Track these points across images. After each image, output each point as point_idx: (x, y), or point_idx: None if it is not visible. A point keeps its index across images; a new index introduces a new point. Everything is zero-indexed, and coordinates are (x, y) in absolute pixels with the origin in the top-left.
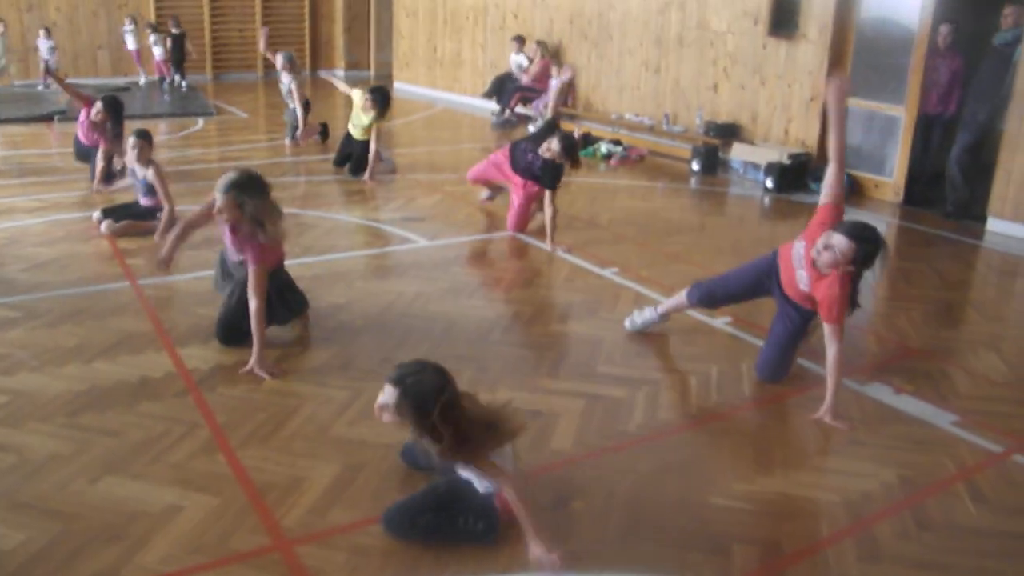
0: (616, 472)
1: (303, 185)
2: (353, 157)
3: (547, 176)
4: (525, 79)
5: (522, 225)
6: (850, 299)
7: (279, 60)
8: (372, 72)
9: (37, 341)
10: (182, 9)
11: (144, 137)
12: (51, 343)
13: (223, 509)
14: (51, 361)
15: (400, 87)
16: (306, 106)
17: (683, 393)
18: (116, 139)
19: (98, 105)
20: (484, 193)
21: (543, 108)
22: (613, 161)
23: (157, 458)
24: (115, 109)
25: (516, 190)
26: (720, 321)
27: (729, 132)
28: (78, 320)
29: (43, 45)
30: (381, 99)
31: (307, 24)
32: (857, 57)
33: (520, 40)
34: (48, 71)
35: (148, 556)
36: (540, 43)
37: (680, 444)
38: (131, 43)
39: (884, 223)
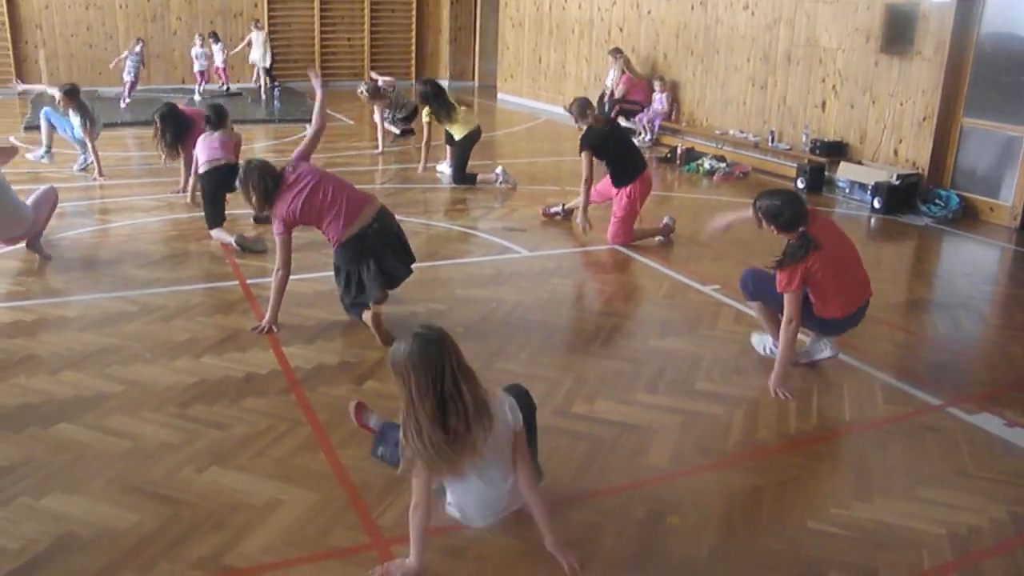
0: (711, 490)
1: (407, 192)
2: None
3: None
4: (618, 92)
5: (625, 236)
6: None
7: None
8: (476, 83)
9: (151, 334)
10: (294, 18)
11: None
12: (164, 337)
13: (322, 505)
14: (164, 354)
15: (504, 98)
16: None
17: (782, 413)
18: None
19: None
20: (555, 207)
21: (646, 122)
22: (716, 177)
23: (261, 452)
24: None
25: (618, 201)
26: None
27: (836, 150)
28: (190, 315)
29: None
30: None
31: (413, 34)
32: (975, 75)
33: (616, 53)
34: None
35: (250, 546)
36: (613, 52)
37: (777, 465)
38: (219, 58)
39: (998, 248)
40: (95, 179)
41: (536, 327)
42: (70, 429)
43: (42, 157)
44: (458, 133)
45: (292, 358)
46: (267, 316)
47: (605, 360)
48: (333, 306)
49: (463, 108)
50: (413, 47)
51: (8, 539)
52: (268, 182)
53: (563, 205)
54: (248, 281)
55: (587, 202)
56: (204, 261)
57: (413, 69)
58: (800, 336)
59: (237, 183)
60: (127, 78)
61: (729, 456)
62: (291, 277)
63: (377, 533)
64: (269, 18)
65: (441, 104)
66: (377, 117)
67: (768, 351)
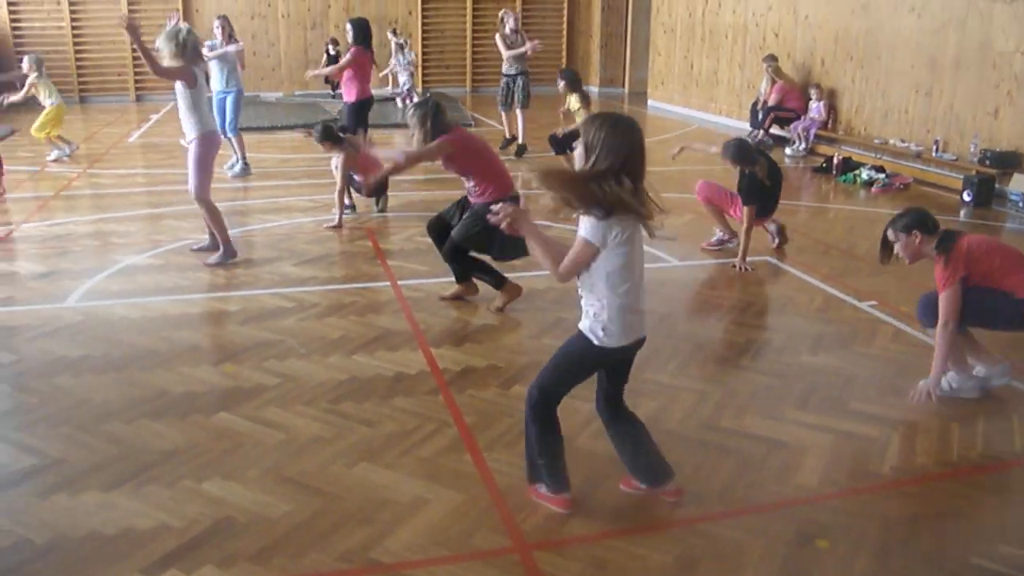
0: (864, 515)
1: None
2: None
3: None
4: (772, 100)
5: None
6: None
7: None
8: (626, 89)
9: (306, 330)
10: (447, 24)
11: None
12: (318, 333)
13: (467, 507)
14: (317, 350)
15: (654, 105)
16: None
17: (943, 439)
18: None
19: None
20: (715, 236)
21: (801, 131)
22: (874, 189)
23: (408, 451)
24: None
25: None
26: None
27: (1009, 161)
28: (342, 314)
29: (400, 61)
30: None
31: (564, 40)
32: None
33: (771, 59)
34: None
35: (395, 542)
36: (767, 58)
37: (937, 494)
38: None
39: None
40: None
41: (685, 338)
42: (229, 418)
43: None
44: None
45: (441, 359)
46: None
47: (755, 374)
48: (482, 310)
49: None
50: (563, 53)
51: (173, 518)
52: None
53: (719, 233)
54: (399, 282)
55: (747, 247)
56: (357, 262)
57: None
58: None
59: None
60: (403, 80)
61: (884, 481)
62: (440, 280)
63: (520, 537)
64: (423, 26)
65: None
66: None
67: (951, 387)
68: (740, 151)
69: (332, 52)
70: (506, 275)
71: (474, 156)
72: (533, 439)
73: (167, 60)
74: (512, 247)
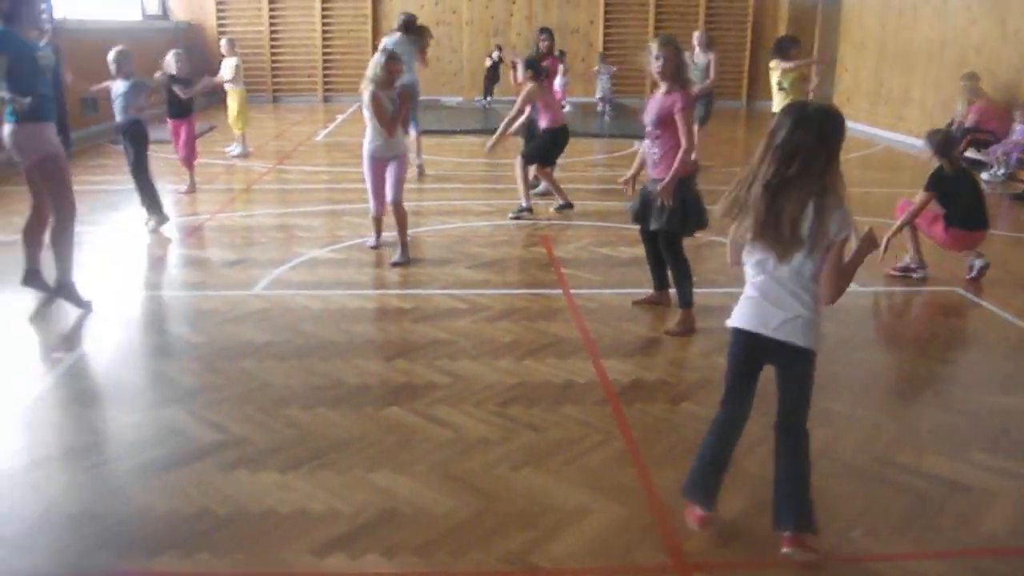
0: None
1: None
2: None
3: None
4: (969, 120)
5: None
6: None
7: None
8: None
9: (478, 333)
10: (628, 35)
11: None
12: (489, 336)
13: (629, 520)
14: (488, 353)
15: None
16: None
17: None
18: None
19: None
20: (904, 260)
21: (1000, 155)
22: None
23: (573, 460)
24: None
25: (936, 235)
26: None
27: None
28: (514, 319)
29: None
30: None
31: (747, 54)
32: None
33: (971, 78)
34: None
35: (555, 549)
36: (967, 76)
37: None
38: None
39: None
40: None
41: (861, 367)
42: (400, 413)
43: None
44: None
45: (611, 371)
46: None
47: (937, 410)
48: (655, 323)
49: None
50: (746, 67)
51: (343, 504)
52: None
53: (908, 259)
54: (572, 291)
55: (897, 232)
56: (531, 268)
57: (745, 88)
58: None
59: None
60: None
61: None
62: (613, 291)
63: (680, 557)
64: (604, 36)
65: None
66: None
67: None
68: (945, 140)
69: (495, 58)
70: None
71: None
72: (803, 477)
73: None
74: (697, 221)
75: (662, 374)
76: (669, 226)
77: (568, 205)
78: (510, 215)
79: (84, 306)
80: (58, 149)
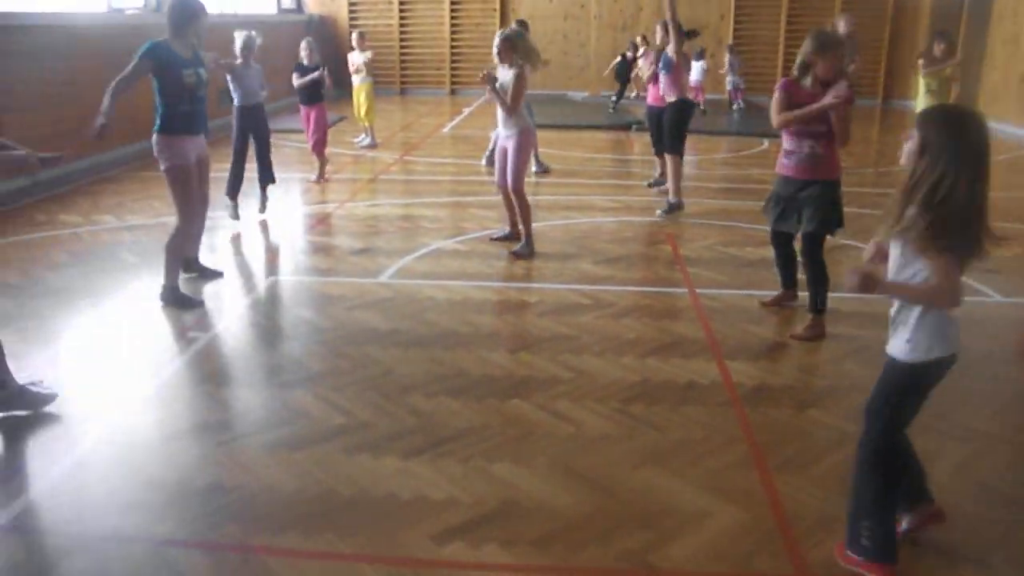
0: None
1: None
2: None
3: None
4: None
5: None
6: None
7: None
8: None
9: (601, 329)
10: (759, 31)
11: None
12: (612, 333)
13: (751, 526)
14: (611, 349)
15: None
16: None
17: None
18: None
19: None
20: None
21: None
22: None
23: (695, 461)
24: None
25: None
26: None
27: None
28: (637, 316)
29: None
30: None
31: (884, 49)
32: None
33: None
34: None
35: (674, 550)
36: None
37: None
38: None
39: None
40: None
41: (1004, 382)
42: (522, 406)
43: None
44: None
45: (735, 373)
46: None
47: None
48: (782, 326)
49: None
50: (883, 63)
51: (463, 493)
52: None
53: None
54: (697, 290)
55: None
56: (656, 265)
57: (881, 86)
58: None
59: None
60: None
61: None
62: (739, 292)
63: (803, 567)
64: (734, 32)
65: None
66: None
67: None
68: None
69: (630, 56)
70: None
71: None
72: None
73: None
74: (840, 221)
75: (789, 379)
76: (820, 228)
77: (679, 205)
78: (659, 213)
79: (195, 305)
80: (185, 162)
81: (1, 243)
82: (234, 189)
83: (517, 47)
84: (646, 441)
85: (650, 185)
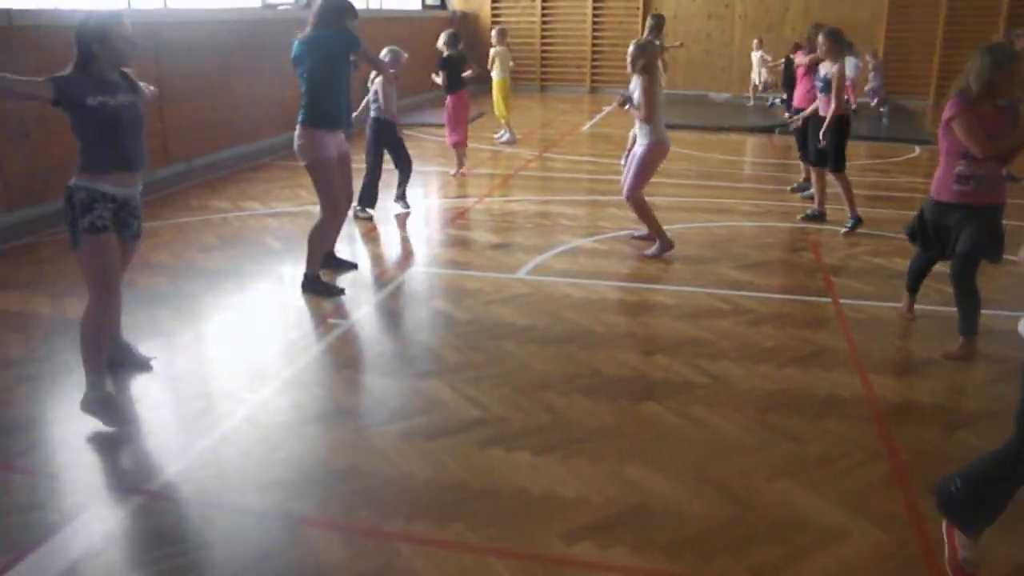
0: None
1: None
2: None
3: None
4: None
5: None
6: None
7: None
8: None
9: (739, 335)
10: (914, 33)
11: None
12: (751, 340)
13: (892, 549)
14: (749, 356)
15: None
16: None
17: None
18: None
19: None
20: None
21: None
22: None
23: (834, 477)
24: None
25: None
26: None
27: None
28: (777, 324)
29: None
30: None
31: None
32: None
33: None
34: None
35: (808, 568)
36: None
37: None
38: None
39: None
40: None
41: None
42: (656, 408)
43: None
44: None
45: (879, 388)
46: None
47: None
48: (930, 341)
49: None
50: None
51: (594, 493)
52: None
53: None
54: (841, 301)
55: None
56: (798, 273)
57: None
58: None
59: None
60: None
61: None
62: (885, 304)
63: None
64: (887, 33)
65: None
66: None
67: None
68: None
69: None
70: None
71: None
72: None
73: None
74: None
75: (937, 397)
76: (980, 251)
77: (821, 215)
78: (843, 231)
79: (334, 293)
80: (327, 155)
81: (157, 226)
82: (370, 199)
83: (641, 56)
84: (783, 452)
85: (793, 190)
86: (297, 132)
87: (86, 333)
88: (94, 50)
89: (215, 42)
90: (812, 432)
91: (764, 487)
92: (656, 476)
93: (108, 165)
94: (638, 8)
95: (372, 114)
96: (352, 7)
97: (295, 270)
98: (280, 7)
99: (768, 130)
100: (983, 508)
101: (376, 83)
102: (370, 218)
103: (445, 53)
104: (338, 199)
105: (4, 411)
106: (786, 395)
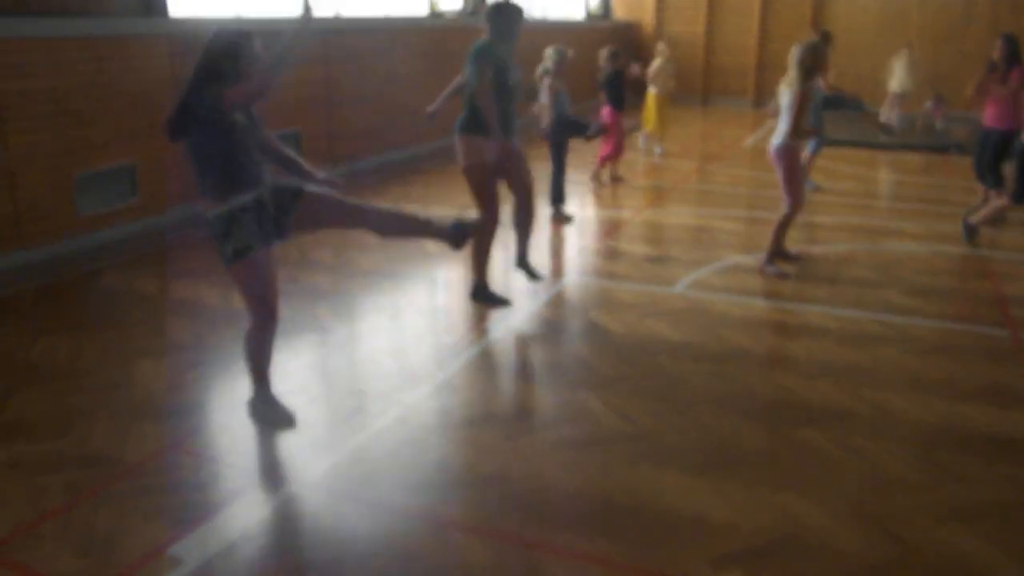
0: None
1: None
2: None
3: None
4: None
5: None
6: None
7: None
8: None
9: (905, 364)
10: None
11: None
12: (918, 370)
13: None
14: (915, 388)
15: None
16: None
17: None
18: None
19: None
20: None
21: None
22: None
23: (1008, 525)
24: None
25: None
26: None
27: None
28: (949, 355)
29: None
30: None
31: None
32: None
33: None
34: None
35: None
36: None
37: None
38: None
39: None
40: None
41: None
42: (814, 436)
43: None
44: None
45: None
46: None
47: None
48: None
49: None
50: None
51: (744, 519)
52: None
53: None
54: (1022, 335)
55: None
56: (973, 302)
57: None
58: None
59: None
60: None
61: None
62: None
63: None
64: None
65: None
66: None
67: None
68: None
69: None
70: None
71: None
72: None
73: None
74: None
75: None
76: None
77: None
78: None
79: (503, 303)
80: (483, 161)
81: None
82: (559, 197)
83: (802, 62)
84: (951, 493)
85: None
86: (457, 138)
87: (248, 348)
88: (224, 67)
89: (383, 48)
90: (985, 476)
91: (930, 529)
92: (811, 507)
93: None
94: (806, 19)
95: (551, 118)
96: (520, 14)
97: (449, 274)
98: (448, 15)
99: (942, 149)
100: None
101: (544, 84)
102: (566, 216)
103: (610, 69)
104: (491, 207)
105: (175, 395)
106: (957, 432)
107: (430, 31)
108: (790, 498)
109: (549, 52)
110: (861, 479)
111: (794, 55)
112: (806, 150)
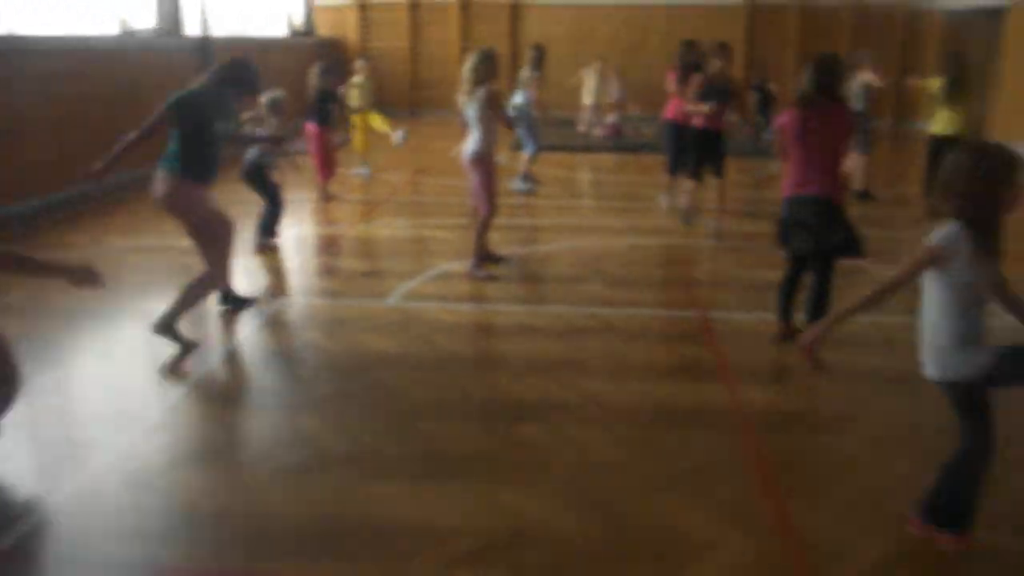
0: None
1: None
2: None
3: None
4: None
5: None
6: None
7: None
8: None
9: (611, 352)
10: None
11: None
12: (622, 356)
13: (764, 556)
14: (620, 373)
15: None
16: None
17: None
18: None
19: None
20: None
21: None
22: None
23: (704, 489)
24: None
25: None
26: None
27: None
28: (648, 339)
29: None
30: None
31: None
32: None
33: None
34: None
35: None
36: None
37: None
38: None
39: None
40: None
41: None
42: (529, 430)
43: None
44: None
45: (746, 398)
46: None
47: None
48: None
49: None
50: None
51: (468, 521)
52: None
53: None
54: (708, 314)
55: None
56: (666, 288)
57: None
58: None
59: None
60: None
61: None
62: (748, 316)
63: None
64: None
65: None
66: None
67: None
68: None
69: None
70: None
71: None
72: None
73: None
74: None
75: (800, 404)
76: (847, 246)
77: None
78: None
79: (186, 344)
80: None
81: None
82: (272, 229)
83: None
84: (655, 467)
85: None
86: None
87: None
88: None
89: (71, 71)
90: (683, 446)
91: (638, 503)
92: (530, 500)
93: None
94: (504, 34)
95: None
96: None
97: (159, 306)
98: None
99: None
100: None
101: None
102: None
103: (320, 86)
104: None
105: None
106: (657, 410)
107: (120, 52)
108: (510, 493)
109: (265, 99)
110: (575, 465)
111: (467, 66)
112: (527, 153)
